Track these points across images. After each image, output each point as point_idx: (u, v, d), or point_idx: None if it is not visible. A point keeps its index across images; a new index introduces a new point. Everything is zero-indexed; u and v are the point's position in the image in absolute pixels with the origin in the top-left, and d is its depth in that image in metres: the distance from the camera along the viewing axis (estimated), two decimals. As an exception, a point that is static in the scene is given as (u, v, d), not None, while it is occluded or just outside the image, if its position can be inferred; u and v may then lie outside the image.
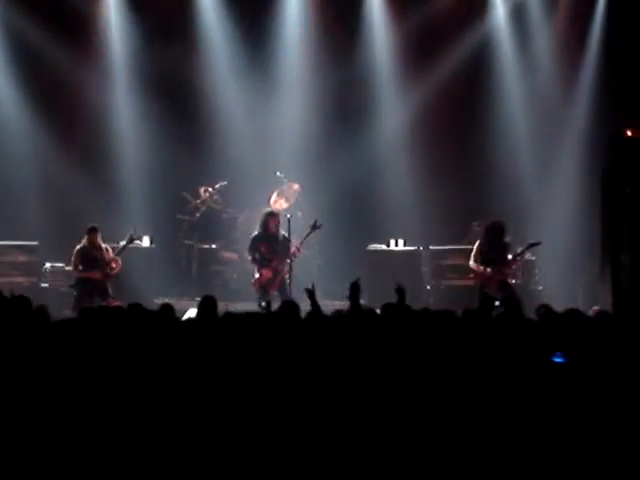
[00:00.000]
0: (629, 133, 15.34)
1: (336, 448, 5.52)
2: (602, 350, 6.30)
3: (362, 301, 8.58)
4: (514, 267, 13.04)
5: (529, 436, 5.57)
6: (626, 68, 15.30)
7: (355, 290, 7.89)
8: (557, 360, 6.22)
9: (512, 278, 13.30)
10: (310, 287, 8.20)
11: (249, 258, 13.24)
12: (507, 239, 12.96)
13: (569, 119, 15.77)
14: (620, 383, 5.91)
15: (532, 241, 13.04)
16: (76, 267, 13.19)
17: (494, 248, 12.81)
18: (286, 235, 13.18)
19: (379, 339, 6.54)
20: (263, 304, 11.00)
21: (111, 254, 13.15)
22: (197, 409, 5.75)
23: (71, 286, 13.26)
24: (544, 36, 15.85)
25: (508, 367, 6.06)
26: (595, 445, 5.52)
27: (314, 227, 13.09)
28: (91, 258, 13.10)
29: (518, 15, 15.82)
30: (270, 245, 12.99)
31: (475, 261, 12.87)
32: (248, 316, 7.21)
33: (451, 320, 6.94)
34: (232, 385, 5.94)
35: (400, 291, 7.89)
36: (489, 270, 12.68)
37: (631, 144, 15.10)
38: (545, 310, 7.40)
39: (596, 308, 12.11)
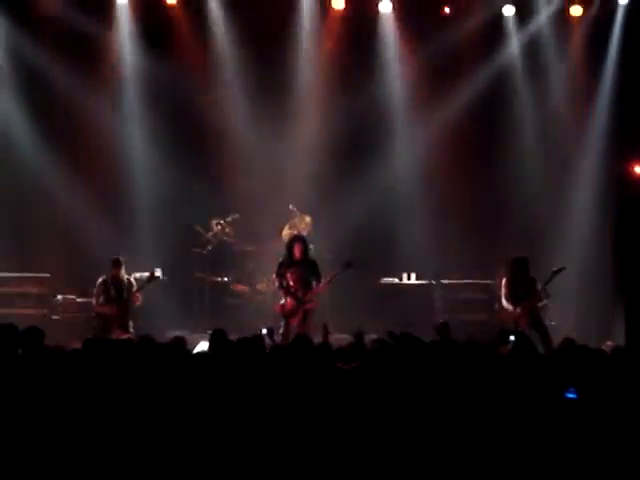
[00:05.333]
0: (639, 170, 15.37)
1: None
2: (616, 386, 6.25)
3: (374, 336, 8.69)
4: (544, 300, 12.94)
5: (541, 473, 5.51)
6: (638, 102, 15.31)
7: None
8: (569, 396, 6.18)
9: (543, 311, 13.20)
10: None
11: (276, 284, 12.95)
12: (530, 274, 12.95)
13: (582, 153, 15.77)
14: (633, 420, 5.86)
15: (555, 268, 12.93)
16: (97, 300, 13.18)
17: (521, 283, 12.81)
18: (315, 260, 12.92)
19: (390, 372, 6.52)
20: (264, 331, 10.95)
21: (134, 287, 13.17)
22: (206, 443, 5.72)
23: (92, 318, 13.24)
24: (558, 68, 15.90)
25: (520, 402, 6.01)
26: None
27: (347, 266, 12.69)
28: (112, 292, 13.11)
29: (532, 47, 15.87)
30: (296, 273, 12.68)
31: (506, 299, 12.90)
32: (259, 350, 7.22)
33: (462, 353, 6.92)
34: (241, 418, 5.91)
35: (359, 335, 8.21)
36: (519, 309, 12.70)
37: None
38: (567, 344, 7.38)
39: (610, 343, 12.10)
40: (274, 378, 6.49)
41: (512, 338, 7.78)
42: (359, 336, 8.64)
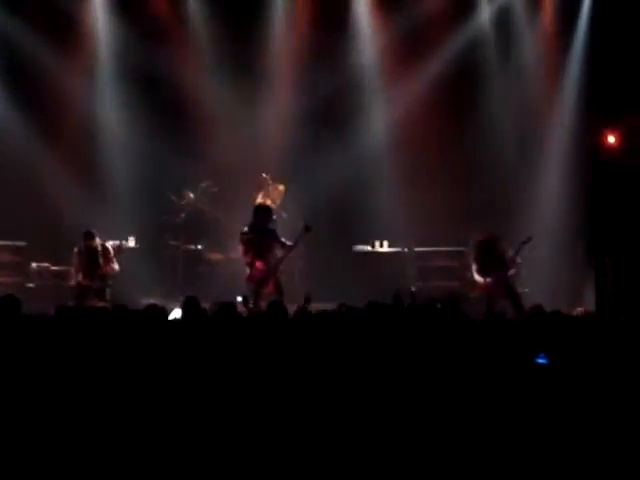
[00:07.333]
0: (611, 139, 15.43)
1: (322, 448, 5.50)
2: (587, 351, 6.30)
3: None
4: (513, 269, 13.10)
5: (512, 439, 5.54)
6: (609, 72, 15.34)
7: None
8: (540, 361, 6.23)
9: (514, 280, 13.34)
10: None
11: (240, 249, 12.98)
12: (502, 247, 13.06)
13: (554, 122, 15.80)
14: (606, 384, 5.92)
15: (522, 239, 13.08)
16: (76, 271, 13.17)
17: (489, 259, 12.96)
18: (275, 230, 12.94)
19: (361, 338, 6.57)
20: (239, 299, 10.90)
21: (111, 254, 13.17)
22: (181, 411, 5.69)
23: (71, 288, 13.22)
24: (529, 38, 15.89)
25: (491, 369, 6.05)
26: (580, 447, 5.52)
27: (306, 230, 12.71)
28: (87, 262, 13.10)
29: (503, 18, 15.85)
30: (262, 238, 12.68)
31: (477, 273, 13.06)
32: (233, 317, 7.25)
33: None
34: (217, 385, 5.92)
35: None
36: (489, 280, 12.82)
37: (613, 150, 15.20)
38: (536, 310, 7.44)
39: (581, 309, 12.24)
40: (250, 344, 6.50)
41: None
42: (307, 300, 8.82)
